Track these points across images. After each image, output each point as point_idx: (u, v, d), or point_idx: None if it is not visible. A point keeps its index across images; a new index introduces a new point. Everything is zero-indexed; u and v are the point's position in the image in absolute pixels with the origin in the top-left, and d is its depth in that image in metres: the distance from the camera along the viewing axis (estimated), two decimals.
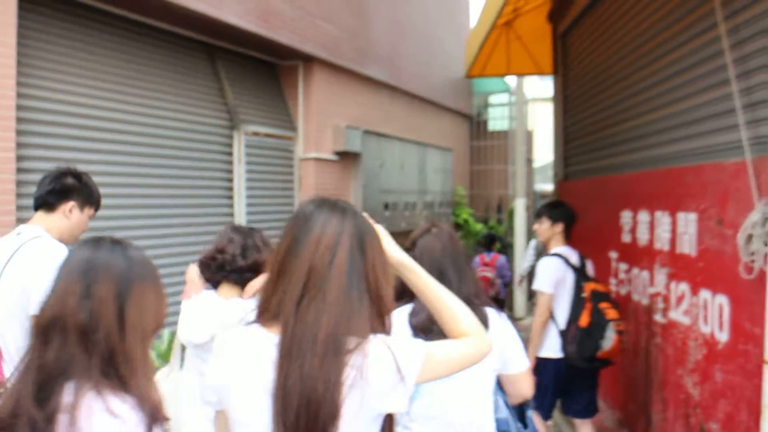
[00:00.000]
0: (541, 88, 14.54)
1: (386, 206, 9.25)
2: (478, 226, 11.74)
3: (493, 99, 13.20)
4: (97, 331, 1.38)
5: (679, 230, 3.94)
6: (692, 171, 3.80)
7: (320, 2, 7.83)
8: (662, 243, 4.19)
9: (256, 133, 7.23)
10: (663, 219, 4.18)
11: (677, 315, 3.97)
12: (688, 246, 3.81)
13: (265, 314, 1.51)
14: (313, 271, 1.45)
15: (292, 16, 7.19)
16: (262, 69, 7.75)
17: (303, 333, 1.40)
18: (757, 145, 3.15)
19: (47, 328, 1.39)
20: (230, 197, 6.99)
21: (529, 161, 12.74)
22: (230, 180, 6.99)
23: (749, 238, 3.06)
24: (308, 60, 7.80)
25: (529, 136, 12.51)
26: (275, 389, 1.40)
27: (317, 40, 7.69)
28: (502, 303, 8.83)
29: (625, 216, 4.91)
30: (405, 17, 10.22)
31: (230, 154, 7.00)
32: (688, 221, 3.80)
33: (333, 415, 1.37)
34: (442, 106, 11.63)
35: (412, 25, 10.48)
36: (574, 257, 4.27)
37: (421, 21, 10.94)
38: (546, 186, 14.51)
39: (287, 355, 1.41)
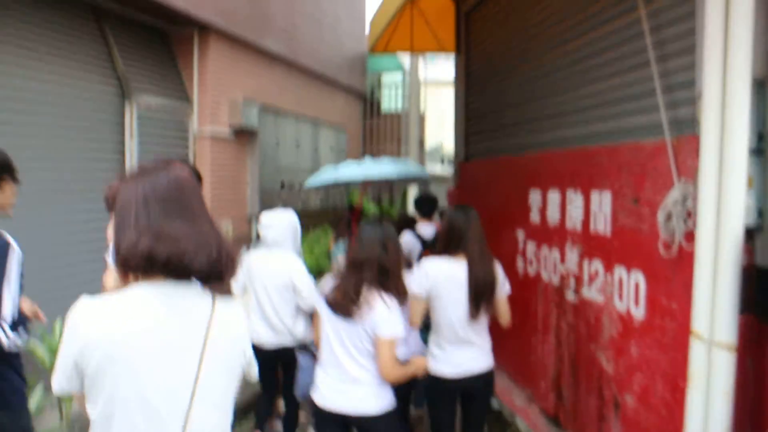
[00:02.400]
0: (433, 71, 14.66)
1: (282, 185, 9.00)
2: (371, 207, 11.72)
3: (386, 79, 13.16)
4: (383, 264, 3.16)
5: (593, 209, 4.03)
6: (607, 151, 3.89)
7: None
8: (574, 222, 4.29)
9: (148, 105, 6.77)
10: (575, 198, 4.27)
11: (590, 293, 4.08)
12: (602, 224, 3.91)
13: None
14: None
15: None
16: (154, 36, 7.26)
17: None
18: (675, 126, 3.25)
19: (360, 262, 3.17)
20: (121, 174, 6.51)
21: (421, 143, 12.83)
22: (122, 154, 6.51)
23: (669, 216, 3.16)
24: (204, 28, 7.39)
25: (421, 118, 12.61)
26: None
27: (214, 6, 7.29)
28: None
29: (534, 195, 4.99)
30: None
31: (121, 125, 6.52)
32: (603, 200, 3.89)
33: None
34: (336, 84, 11.45)
35: None
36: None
37: None
38: (435, 168, 14.71)
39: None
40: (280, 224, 4.36)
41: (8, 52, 5.20)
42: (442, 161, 16.86)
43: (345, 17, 11.73)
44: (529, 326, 5.02)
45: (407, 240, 5.47)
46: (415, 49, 7.36)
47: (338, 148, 11.06)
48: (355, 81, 12.17)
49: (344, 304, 3.10)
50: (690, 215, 3.03)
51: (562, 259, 4.49)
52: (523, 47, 5.40)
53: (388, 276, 3.15)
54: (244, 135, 8.01)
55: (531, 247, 5.07)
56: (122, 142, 6.54)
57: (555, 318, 4.62)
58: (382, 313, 3.07)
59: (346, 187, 11.56)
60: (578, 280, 4.25)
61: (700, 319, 2.69)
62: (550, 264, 4.71)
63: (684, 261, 3.10)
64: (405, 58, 12.72)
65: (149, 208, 1.61)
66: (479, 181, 6.57)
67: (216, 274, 1.65)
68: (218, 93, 7.65)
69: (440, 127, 15.29)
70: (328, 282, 3.31)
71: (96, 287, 6.14)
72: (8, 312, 2.62)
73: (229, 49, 7.86)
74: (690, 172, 3.07)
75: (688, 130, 3.20)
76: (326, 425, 3.23)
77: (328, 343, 3.21)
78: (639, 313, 3.52)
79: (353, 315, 3.09)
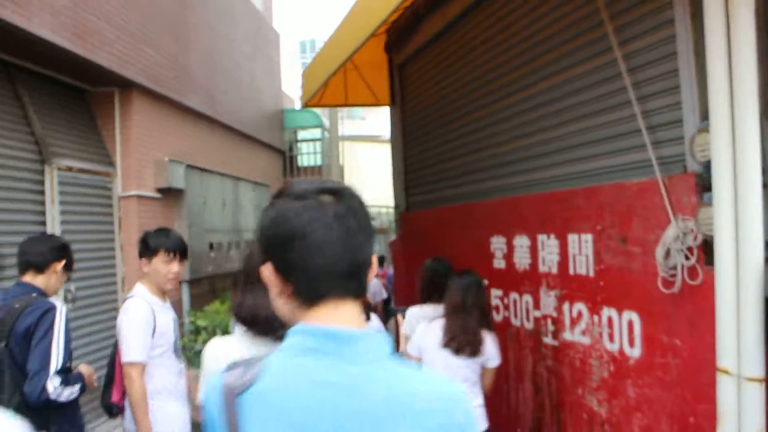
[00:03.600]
0: (349, 127, 14.73)
1: (211, 246, 8.61)
2: None
3: (302, 134, 13.06)
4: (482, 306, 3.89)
5: (571, 251, 4.03)
6: (583, 193, 3.92)
7: (142, 23, 7.13)
8: (549, 266, 4.27)
9: (69, 168, 6.30)
10: (549, 242, 4.27)
11: (573, 336, 4.04)
12: (584, 266, 3.90)
13: None
14: None
15: (111, 36, 6.44)
16: (70, 95, 6.83)
17: None
18: (660, 165, 3.31)
19: (466, 306, 3.77)
20: None
21: None
22: (42, 223, 5.98)
23: (668, 253, 3.18)
24: (125, 86, 7.03)
25: (341, 172, 12.56)
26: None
27: (138, 65, 6.98)
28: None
29: (497, 242, 4.97)
30: (217, 49, 9.73)
31: (41, 192, 6.01)
32: (583, 242, 3.90)
33: None
34: (256, 140, 11.24)
35: (223, 56, 10.01)
36: None
37: (232, 53, 10.51)
38: None
39: None
40: None
41: None
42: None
43: (263, 75, 11.61)
44: (500, 374, 4.92)
45: (373, 285, 5.35)
46: (350, 102, 7.32)
47: (261, 205, 10.77)
48: (274, 138, 11.98)
49: (469, 344, 3.65)
50: (692, 251, 3.06)
51: (536, 305, 4.45)
52: (470, 95, 5.46)
53: (487, 315, 3.83)
54: (171, 195, 7.62)
55: (496, 293, 5.01)
56: (42, 210, 6.03)
57: (531, 364, 4.55)
58: (492, 347, 3.77)
59: None
60: (557, 323, 4.21)
61: (726, 355, 2.68)
62: (521, 310, 4.66)
63: (687, 296, 3.11)
64: (323, 114, 12.71)
65: None
66: (424, 230, 6.51)
67: None
68: (142, 153, 7.26)
69: (356, 181, 15.29)
70: None
71: None
72: (55, 364, 3.00)
73: (153, 107, 7.51)
74: (686, 209, 3.11)
75: (674, 168, 3.26)
76: None
77: None
78: (634, 352, 3.50)
79: (479, 353, 3.68)
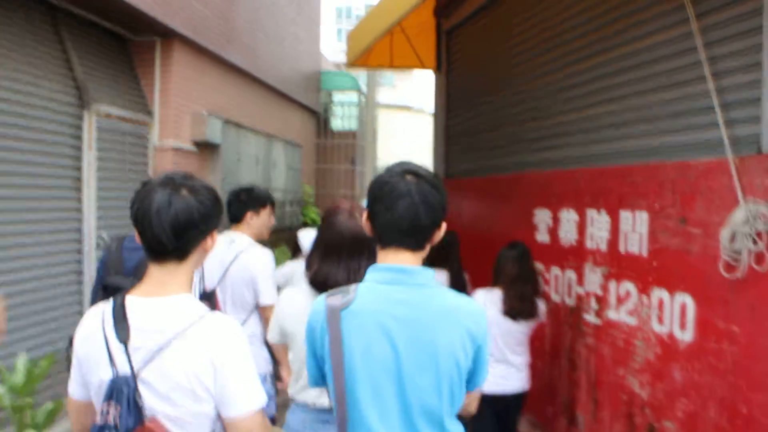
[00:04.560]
0: (383, 94, 14.55)
1: None
2: None
3: (338, 97, 12.90)
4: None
5: (623, 229, 3.91)
6: (641, 170, 3.78)
7: None
8: (597, 242, 4.16)
9: (108, 115, 6.25)
10: (599, 218, 4.15)
11: (618, 315, 3.94)
12: (637, 245, 3.78)
13: None
14: None
15: None
16: (112, 43, 6.75)
17: None
18: (733, 146, 3.16)
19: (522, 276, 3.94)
20: (78, 189, 5.93)
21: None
22: (78, 169, 5.95)
23: (733, 236, 3.05)
24: (167, 36, 6.93)
25: (374, 137, 12.43)
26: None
27: (183, 15, 6.88)
28: None
29: (541, 215, 4.85)
30: (261, 7, 9.58)
31: (79, 138, 5.97)
32: (639, 220, 3.77)
33: None
34: (293, 100, 11.11)
35: (267, 15, 9.86)
36: None
37: (275, 13, 10.36)
38: None
39: None
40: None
41: None
42: None
43: (303, 37, 11.44)
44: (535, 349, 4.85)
45: None
46: (395, 65, 7.18)
47: (294, 166, 10.70)
48: (311, 99, 11.85)
49: (527, 309, 3.85)
50: (760, 236, 2.93)
51: (580, 281, 4.35)
52: (530, 63, 5.29)
53: (536, 283, 4.02)
54: (206, 149, 7.56)
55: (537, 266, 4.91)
56: (79, 155, 6.00)
57: (569, 340, 4.46)
58: (543, 311, 4.03)
59: (301, 206, 11.22)
60: (601, 301, 4.11)
61: None
62: (562, 285, 4.56)
63: (751, 282, 2.99)
64: (361, 78, 12.54)
65: None
66: (464, 200, 6.40)
67: None
68: (181, 104, 7.19)
69: (387, 147, 15.17)
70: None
71: (62, 321, 5.52)
72: None
73: (194, 59, 7.42)
74: (759, 191, 2.97)
75: (747, 149, 3.12)
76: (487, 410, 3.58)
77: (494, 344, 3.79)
78: (686, 336, 3.39)
79: (534, 316, 3.90)
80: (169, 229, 1.70)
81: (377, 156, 13.14)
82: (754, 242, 2.95)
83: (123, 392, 1.62)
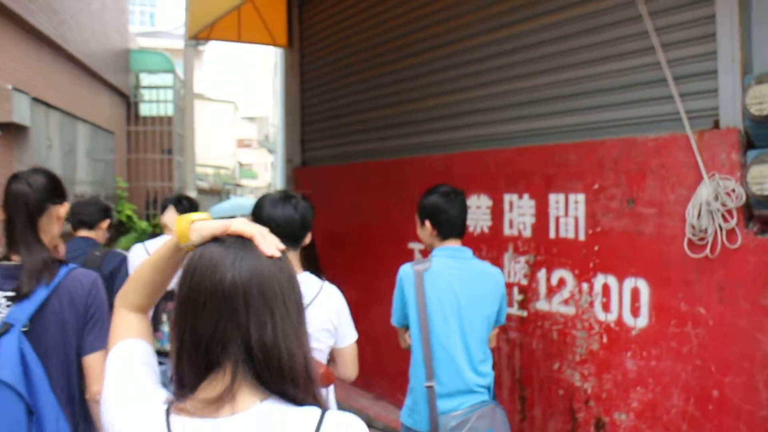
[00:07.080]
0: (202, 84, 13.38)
1: None
2: (143, 224, 10.18)
3: (149, 79, 11.57)
4: None
5: (553, 213, 3.67)
6: (574, 148, 3.57)
7: None
8: (519, 229, 3.90)
9: None
10: (520, 203, 3.89)
11: (550, 305, 3.71)
12: (572, 230, 3.57)
13: None
14: None
15: None
16: None
17: None
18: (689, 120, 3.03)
19: None
20: None
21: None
22: None
23: (698, 214, 2.92)
24: None
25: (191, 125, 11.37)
26: None
27: None
28: None
29: None
30: None
31: None
32: (573, 203, 3.55)
33: None
34: (102, 80, 9.70)
35: None
36: None
37: None
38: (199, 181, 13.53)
39: None
40: None
41: None
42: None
43: (111, 6, 10.03)
44: None
45: None
46: (243, 39, 6.40)
47: (106, 156, 9.38)
48: (120, 80, 10.44)
49: None
50: (731, 213, 2.81)
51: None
52: (391, 42, 4.89)
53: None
54: (11, 132, 6.20)
55: None
56: None
57: None
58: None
59: (114, 200, 9.90)
60: (527, 291, 3.85)
61: None
62: None
63: (720, 261, 2.87)
64: (177, 60, 11.30)
65: None
66: (326, 188, 5.88)
67: None
68: None
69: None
70: None
71: None
72: None
73: None
74: (723, 167, 2.85)
75: (702, 123, 3.00)
76: None
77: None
78: (639, 322, 3.23)
79: None
80: None
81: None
82: (724, 219, 2.83)
83: None
